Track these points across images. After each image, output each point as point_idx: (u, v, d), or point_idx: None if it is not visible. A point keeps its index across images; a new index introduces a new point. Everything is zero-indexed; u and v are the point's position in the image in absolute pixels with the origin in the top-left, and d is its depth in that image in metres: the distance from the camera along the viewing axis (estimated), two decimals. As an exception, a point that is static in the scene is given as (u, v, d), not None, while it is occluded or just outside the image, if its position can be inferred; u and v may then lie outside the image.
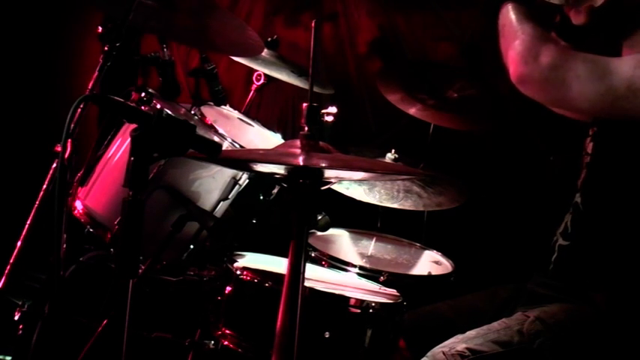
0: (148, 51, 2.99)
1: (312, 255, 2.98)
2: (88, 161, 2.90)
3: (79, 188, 2.86)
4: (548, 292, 2.35)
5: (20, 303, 2.79)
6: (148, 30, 3.08)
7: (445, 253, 3.26)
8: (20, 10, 4.19)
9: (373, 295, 2.72)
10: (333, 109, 3.10)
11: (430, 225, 3.55)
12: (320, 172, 1.93)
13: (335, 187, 2.95)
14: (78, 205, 2.83)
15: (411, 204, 3.28)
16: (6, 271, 2.75)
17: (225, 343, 2.57)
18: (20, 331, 2.75)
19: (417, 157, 3.47)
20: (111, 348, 1.74)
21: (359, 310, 2.55)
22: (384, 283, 2.87)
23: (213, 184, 2.79)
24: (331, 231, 3.10)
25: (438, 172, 3.43)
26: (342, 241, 3.32)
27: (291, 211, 1.92)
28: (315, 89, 1.95)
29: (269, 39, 3.36)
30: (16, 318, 2.76)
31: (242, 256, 2.82)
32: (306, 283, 2.26)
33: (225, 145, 2.72)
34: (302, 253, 1.91)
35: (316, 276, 2.71)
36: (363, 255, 3.27)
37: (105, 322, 2.59)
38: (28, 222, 2.74)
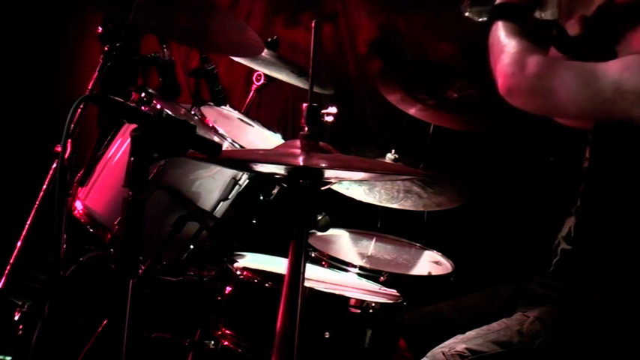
0: (148, 51, 2.99)
1: (312, 255, 2.98)
2: (88, 161, 2.90)
3: (79, 188, 2.86)
4: (548, 293, 2.35)
5: (20, 303, 2.79)
6: (148, 30, 3.07)
7: (445, 253, 3.26)
8: (20, 10, 4.19)
9: (373, 295, 2.72)
10: (333, 109, 3.10)
11: (430, 225, 3.55)
12: (320, 172, 1.93)
13: (335, 187, 2.95)
14: (78, 205, 2.83)
15: (411, 204, 3.28)
16: (6, 271, 2.75)
17: (225, 343, 2.57)
18: (20, 331, 2.75)
19: (417, 157, 3.47)
20: (111, 348, 1.74)
21: (359, 310, 2.55)
22: (384, 283, 2.87)
23: (213, 185, 2.79)
24: (331, 231, 3.10)
25: (438, 172, 3.43)
26: (342, 241, 3.32)
27: (291, 211, 1.92)
28: (315, 89, 1.95)
29: (269, 39, 3.36)
30: (16, 318, 2.76)
31: (242, 256, 2.82)
32: (306, 283, 2.26)
33: (225, 146, 2.72)
34: (302, 253, 1.91)
35: (316, 276, 2.71)
36: (363, 255, 3.27)
37: (105, 322, 2.59)
38: (28, 222, 2.74)
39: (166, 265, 2.79)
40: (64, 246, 2.02)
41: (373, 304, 2.57)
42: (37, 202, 2.74)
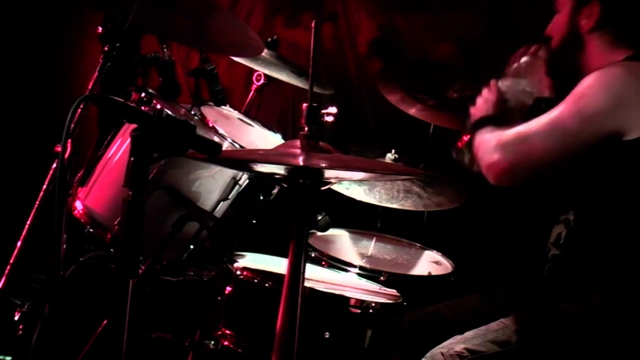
0: (148, 51, 2.99)
1: (312, 255, 2.98)
2: (88, 161, 2.90)
3: (79, 188, 2.86)
4: (546, 293, 2.36)
5: (20, 303, 2.79)
6: (148, 30, 3.07)
7: (445, 253, 3.26)
8: (20, 10, 4.19)
9: (373, 295, 2.72)
10: (333, 109, 3.10)
11: (430, 225, 3.55)
12: (320, 172, 1.93)
13: (335, 187, 2.95)
14: (78, 205, 2.83)
15: (411, 204, 3.28)
16: (6, 271, 2.75)
17: (225, 343, 2.57)
18: (20, 331, 2.75)
19: (417, 157, 3.46)
20: (111, 348, 1.74)
21: (359, 310, 2.55)
22: (384, 283, 2.87)
23: (213, 185, 2.79)
24: (331, 231, 3.10)
25: (438, 172, 3.43)
26: (342, 241, 3.32)
27: (291, 211, 1.92)
28: (315, 89, 1.95)
29: (269, 39, 3.36)
30: (16, 318, 2.76)
31: (242, 256, 2.82)
32: (306, 283, 2.26)
33: (225, 146, 2.72)
34: (302, 253, 1.91)
35: (316, 276, 2.71)
36: (363, 255, 3.27)
37: (105, 322, 2.59)
38: (28, 222, 2.74)
39: (166, 265, 2.79)
40: (64, 246, 2.02)
41: (373, 304, 2.57)
42: (37, 202, 2.74)
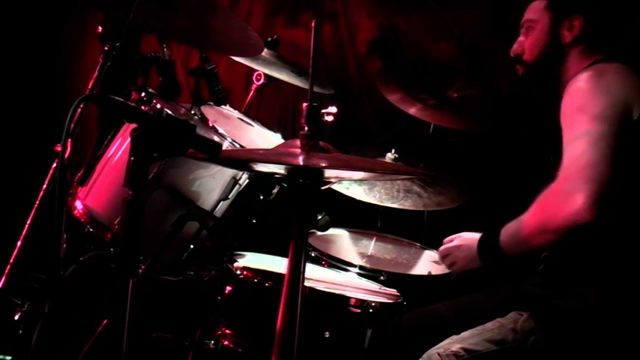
0: (148, 51, 2.99)
1: (312, 255, 2.98)
2: (88, 161, 2.90)
3: (79, 188, 2.86)
4: (542, 292, 2.36)
5: (20, 303, 2.79)
6: (148, 30, 3.07)
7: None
8: (20, 10, 4.19)
9: (373, 295, 2.72)
10: (333, 109, 3.09)
11: (430, 225, 3.55)
12: (320, 172, 1.93)
13: (335, 187, 2.95)
14: (78, 205, 2.83)
15: (411, 204, 3.28)
16: (6, 271, 2.75)
17: (225, 343, 2.57)
18: (20, 331, 2.75)
19: (417, 157, 3.46)
20: (111, 348, 1.74)
21: (359, 310, 2.55)
22: (384, 283, 2.87)
23: (213, 184, 2.79)
24: (331, 231, 3.10)
25: (438, 172, 3.43)
26: (342, 241, 3.32)
27: (291, 211, 1.92)
28: (315, 89, 1.95)
29: (269, 39, 3.36)
30: (16, 318, 2.76)
31: (242, 256, 2.82)
32: (306, 283, 2.26)
33: (225, 145, 2.72)
34: (302, 253, 1.91)
35: (316, 276, 2.71)
36: (363, 255, 3.26)
37: (105, 322, 2.59)
38: (28, 222, 2.74)
39: (166, 265, 2.78)
40: (64, 246, 2.02)
41: (373, 304, 2.57)
42: (37, 202, 2.74)
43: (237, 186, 2.81)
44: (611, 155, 2.13)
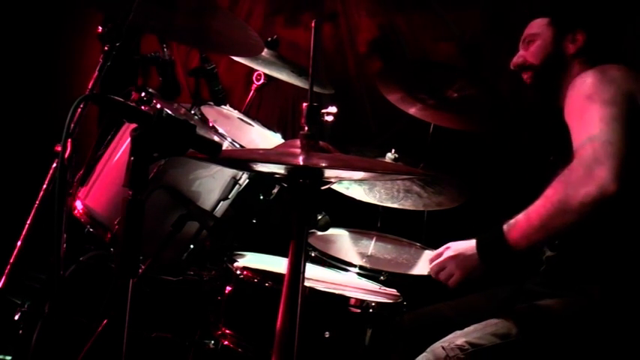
0: (148, 51, 2.99)
1: (312, 255, 2.98)
2: (88, 161, 2.90)
3: (79, 188, 2.86)
4: (545, 290, 2.37)
5: (20, 303, 2.79)
6: (148, 30, 3.07)
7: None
8: (20, 10, 4.19)
9: (373, 295, 2.72)
10: (333, 109, 3.09)
11: (430, 225, 3.54)
12: (320, 172, 1.93)
13: (335, 187, 2.95)
14: (78, 205, 2.83)
15: (411, 204, 3.27)
16: (6, 271, 2.75)
17: (225, 343, 2.57)
18: (20, 331, 2.75)
19: (417, 157, 3.46)
20: (111, 348, 1.74)
21: (359, 310, 2.55)
22: (384, 283, 2.87)
23: (213, 184, 2.79)
24: (331, 231, 3.10)
25: (438, 172, 3.43)
26: (342, 241, 3.31)
27: (291, 211, 1.92)
28: (315, 89, 1.95)
29: (269, 39, 3.36)
30: (16, 318, 2.76)
31: (242, 256, 2.82)
32: (306, 283, 2.26)
33: (225, 145, 2.72)
34: (302, 253, 1.91)
35: (316, 276, 2.71)
36: (363, 255, 3.26)
37: (105, 322, 2.59)
38: (28, 222, 2.74)
39: (166, 265, 2.78)
40: (64, 246, 2.02)
41: (373, 304, 2.57)
42: (37, 202, 2.74)
43: (237, 186, 2.81)
44: (627, 135, 2.14)
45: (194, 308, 2.98)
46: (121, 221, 1.71)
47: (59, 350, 2.62)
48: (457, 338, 2.27)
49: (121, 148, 2.83)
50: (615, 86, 2.25)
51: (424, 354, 2.28)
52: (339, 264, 2.97)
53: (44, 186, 2.75)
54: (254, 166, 2.26)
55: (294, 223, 1.92)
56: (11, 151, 4.08)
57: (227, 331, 2.58)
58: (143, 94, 2.81)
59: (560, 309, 2.29)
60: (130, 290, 1.71)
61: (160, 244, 2.65)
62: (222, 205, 2.82)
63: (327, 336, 2.46)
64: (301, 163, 1.85)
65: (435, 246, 3.30)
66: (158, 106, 2.76)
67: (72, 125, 2.52)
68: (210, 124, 2.80)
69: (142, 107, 2.76)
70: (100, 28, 2.77)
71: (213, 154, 1.81)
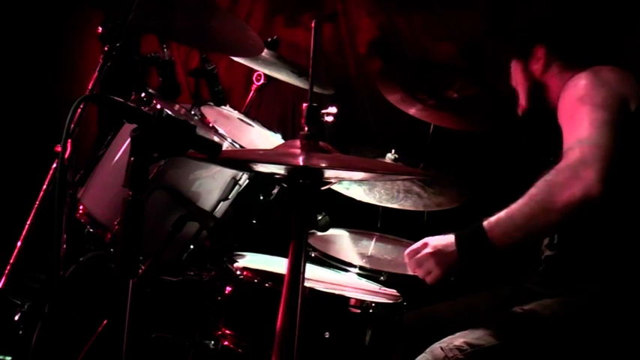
0: (148, 51, 2.99)
1: (312, 255, 2.98)
2: (88, 161, 2.90)
3: (79, 188, 2.86)
4: (544, 289, 2.37)
5: (20, 303, 2.79)
6: (148, 30, 3.07)
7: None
8: (20, 10, 4.19)
9: (373, 295, 2.72)
10: (333, 109, 3.09)
11: (430, 225, 3.55)
12: (320, 172, 1.93)
13: (335, 187, 2.95)
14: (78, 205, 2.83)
15: (411, 204, 3.28)
16: (6, 271, 2.75)
17: (225, 343, 2.57)
18: (20, 331, 2.75)
19: (417, 157, 3.46)
20: (111, 348, 1.74)
21: (359, 310, 2.55)
22: (384, 283, 2.87)
23: (213, 185, 2.79)
24: (331, 231, 3.10)
25: (438, 172, 3.43)
26: (342, 241, 3.31)
27: (291, 211, 1.92)
28: (315, 89, 1.95)
29: (269, 39, 3.36)
30: (16, 318, 2.76)
31: (242, 256, 2.82)
32: (306, 283, 2.26)
33: (225, 146, 2.72)
34: (302, 253, 1.91)
35: (316, 276, 2.71)
36: (363, 255, 3.26)
37: (105, 322, 2.59)
38: (28, 222, 2.74)
39: (166, 265, 2.78)
40: (64, 246, 2.02)
41: (373, 304, 2.57)
42: (37, 202, 2.74)
43: (237, 186, 2.81)
44: (615, 139, 2.13)
45: (194, 308, 2.98)
46: (121, 221, 1.71)
47: (59, 350, 2.62)
48: (456, 339, 2.27)
49: (121, 148, 2.83)
50: (607, 89, 2.25)
51: (423, 354, 2.28)
52: (339, 264, 2.97)
53: (44, 186, 2.75)
54: (254, 166, 2.26)
55: (294, 224, 1.92)
56: (11, 151, 4.08)
57: (227, 331, 2.58)
58: (143, 94, 2.81)
59: (559, 309, 2.29)
60: (130, 290, 1.71)
61: (160, 245, 2.65)
62: (222, 206, 2.82)
63: (327, 336, 2.46)
64: (301, 163, 1.85)
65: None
66: (158, 106, 2.76)
67: (72, 125, 2.52)
68: (210, 125, 2.79)
69: (142, 107, 2.76)
70: (100, 28, 2.77)
71: (213, 154, 1.81)
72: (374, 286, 2.85)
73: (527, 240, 2.23)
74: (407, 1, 4.27)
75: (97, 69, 2.75)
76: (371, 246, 3.31)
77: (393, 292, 2.80)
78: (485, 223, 2.23)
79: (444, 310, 2.62)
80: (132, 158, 1.70)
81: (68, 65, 4.38)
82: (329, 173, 1.97)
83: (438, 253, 2.30)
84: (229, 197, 2.81)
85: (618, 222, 2.30)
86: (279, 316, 1.91)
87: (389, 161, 3.30)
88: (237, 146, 2.75)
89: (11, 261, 2.75)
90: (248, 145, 2.91)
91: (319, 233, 3.03)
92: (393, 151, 3.34)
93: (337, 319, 2.52)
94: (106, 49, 2.75)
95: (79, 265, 2.84)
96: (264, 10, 4.47)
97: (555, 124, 2.36)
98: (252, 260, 2.79)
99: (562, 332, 2.26)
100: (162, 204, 2.70)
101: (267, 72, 3.45)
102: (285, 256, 1.94)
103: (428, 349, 2.29)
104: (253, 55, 3.20)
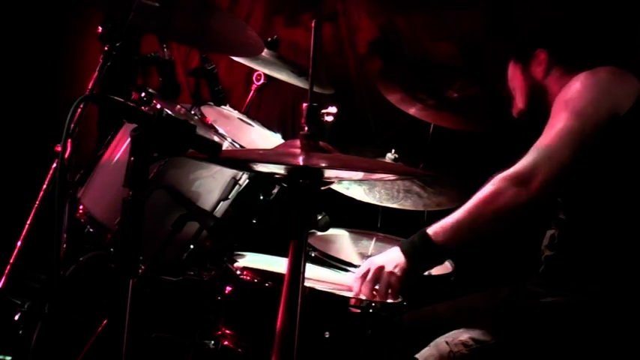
0: (148, 51, 2.99)
1: (312, 255, 2.98)
2: (88, 161, 2.90)
3: (79, 188, 2.86)
4: (544, 290, 2.37)
5: (20, 303, 2.79)
6: (148, 30, 3.07)
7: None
8: (20, 10, 4.19)
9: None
10: (333, 109, 3.09)
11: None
12: (320, 172, 1.93)
13: (335, 187, 2.95)
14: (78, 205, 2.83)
15: (411, 204, 3.27)
16: (6, 271, 2.75)
17: (225, 343, 2.57)
18: (20, 331, 2.75)
19: (417, 157, 3.46)
20: (111, 348, 1.74)
21: (359, 310, 2.55)
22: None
23: (213, 184, 2.79)
24: (331, 231, 3.09)
25: (438, 172, 3.43)
26: (342, 241, 3.31)
27: (291, 211, 1.92)
28: (315, 89, 1.95)
29: (269, 39, 3.36)
30: (16, 318, 2.76)
31: (242, 256, 2.82)
32: (306, 283, 2.26)
33: (225, 145, 2.72)
34: (302, 253, 1.91)
35: (316, 276, 2.71)
36: (363, 255, 3.26)
37: (105, 322, 2.59)
38: (28, 222, 2.74)
39: (166, 265, 2.78)
40: (64, 246, 2.02)
41: (373, 304, 2.57)
42: (37, 202, 2.74)
43: (237, 186, 2.81)
44: (573, 148, 2.23)
45: (194, 308, 2.98)
46: (121, 222, 1.71)
47: (59, 350, 2.62)
48: (461, 334, 2.28)
49: (121, 148, 2.83)
50: (597, 91, 2.30)
51: (428, 348, 2.29)
52: (339, 264, 2.96)
53: (44, 186, 2.75)
54: (254, 166, 2.26)
55: (294, 223, 1.92)
56: (11, 151, 4.08)
57: (227, 331, 2.58)
58: (143, 94, 2.81)
59: (561, 307, 2.30)
60: (130, 290, 1.71)
61: (160, 244, 2.65)
62: (222, 206, 2.82)
63: (327, 336, 2.46)
64: (301, 163, 1.85)
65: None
66: (158, 106, 2.76)
67: (72, 125, 2.52)
68: (210, 125, 2.79)
69: (142, 107, 2.76)
70: (100, 28, 2.77)
71: (213, 154, 1.81)
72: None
73: (471, 243, 2.32)
74: (407, 1, 4.27)
75: (97, 69, 2.75)
76: (371, 246, 3.31)
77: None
78: (429, 229, 2.31)
79: (443, 310, 2.62)
80: (132, 158, 1.70)
81: (68, 65, 4.38)
82: (329, 173, 1.97)
83: (389, 264, 2.34)
84: (229, 197, 2.81)
85: (617, 222, 2.30)
86: (279, 316, 1.91)
87: (389, 161, 3.30)
88: (237, 146, 2.74)
89: (11, 261, 2.75)
90: (248, 145, 2.91)
91: (319, 233, 3.03)
92: (393, 151, 3.34)
93: (337, 319, 2.51)
94: (106, 49, 2.75)
95: (79, 265, 2.84)
96: (264, 10, 4.47)
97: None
98: (252, 260, 2.79)
99: (565, 331, 2.26)
100: (162, 204, 2.70)
101: (267, 72, 3.45)
102: (285, 256, 1.94)
103: (432, 343, 2.30)
104: (253, 55, 3.20)
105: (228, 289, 2.61)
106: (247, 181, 2.83)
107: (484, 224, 2.25)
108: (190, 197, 2.73)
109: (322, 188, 1.96)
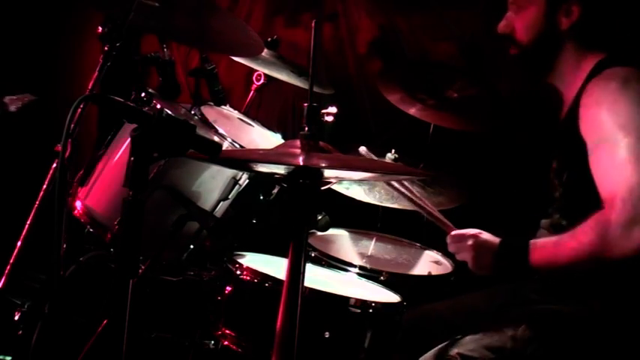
0: (148, 51, 2.99)
1: (312, 255, 2.98)
2: (88, 161, 2.90)
3: (79, 188, 2.86)
4: (540, 297, 2.36)
5: (20, 303, 2.79)
6: (148, 30, 3.07)
7: (445, 253, 3.26)
8: (20, 10, 4.19)
9: (373, 295, 2.72)
10: (333, 109, 3.09)
11: (430, 225, 3.55)
12: (320, 172, 1.93)
13: (335, 187, 2.94)
14: (78, 205, 2.83)
15: (411, 204, 3.27)
16: (6, 271, 2.75)
17: (225, 343, 2.57)
18: (20, 331, 2.75)
19: (417, 157, 3.46)
20: (111, 348, 1.74)
21: (359, 310, 2.55)
22: (384, 283, 2.87)
23: (213, 184, 2.79)
24: (331, 231, 3.10)
25: (439, 172, 3.42)
26: (342, 241, 3.32)
27: (291, 211, 1.92)
28: (315, 89, 1.95)
29: (269, 39, 3.36)
30: (16, 318, 2.76)
31: (242, 256, 2.82)
32: (306, 283, 2.26)
33: (226, 145, 2.72)
34: (302, 253, 1.91)
35: (316, 276, 2.71)
36: (363, 255, 3.26)
37: (105, 322, 2.59)
38: (28, 222, 2.74)
39: (166, 265, 2.78)
40: (64, 246, 2.02)
41: (373, 304, 2.57)
42: (37, 202, 2.74)
43: (237, 186, 2.81)
44: None
45: (194, 308, 2.98)
46: (121, 221, 1.71)
47: (59, 350, 2.62)
48: (450, 349, 2.26)
49: (121, 148, 2.83)
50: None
51: None
52: (339, 264, 2.97)
53: (44, 186, 2.75)
54: (254, 166, 2.26)
55: (294, 223, 1.92)
56: (11, 151, 4.08)
57: (227, 331, 2.58)
58: (143, 94, 2.81)
59: (559, 325, 2.26)
60: (130, 290, 1.71)
61: (160, 244, 2.65)
62: (222, 206, 2.82)
63: (327, 336, 2.46)
64: (301, 163, 1.85)
65: (434, 246, 3.32)
66: (158, 106, 2.76)
67: (72, 125, 2.52)
68: (210, 125, 2.79)
69: (142, 107, 2.75)
70: (100, 28, 2.76)
71: (214, 154, 1.81)
72: (374, 286, 2.85)
73: (562, 274, 2.25)
74: (407, 1, 4.27)
75: (97, 69, 2.75)
76: (371, 246, 3.31)
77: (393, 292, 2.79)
78: (531, 242, 2.24)
79: (443, 310, 2.62)
80: (132, 158, 1.70)
81: (68, 65, 4.38)
82: (329, 173, 1.97)
83: (478, 249, 2.33)
84: (229, 197, 2.81)
85: None
86: (279, 316, 1.91)
87: (389, 161, 3.30)
88: (237, 146, 2.75)
89: (11, 261, 2.75)
90: (248, 145, 2.91)
91: (319, 233, 3.03)
92: (393, 151, 3.34)
93: (337, 319, 2.52)
94: (106, 49, 2.75)
95: (79, 265, 2.84)
96: (264, 10, 4.47)
97: (551, 112, 2.33)
98: (252, 260, 2.79)
99: (559, 349, 2.24)
100: (162, 204, 2.70)
101: (267, 72, 3.45)
102: (285, 256, 1.94)
103: (421, 358, 2.28)
104: (253, 55, 3.20)
105: (228, 289, 2.62)
106: (247, 181, 2.83)
107: (584, 267, 2.17)
108: (190, 197, 2.73)
109: (322, 188, 1.96)
